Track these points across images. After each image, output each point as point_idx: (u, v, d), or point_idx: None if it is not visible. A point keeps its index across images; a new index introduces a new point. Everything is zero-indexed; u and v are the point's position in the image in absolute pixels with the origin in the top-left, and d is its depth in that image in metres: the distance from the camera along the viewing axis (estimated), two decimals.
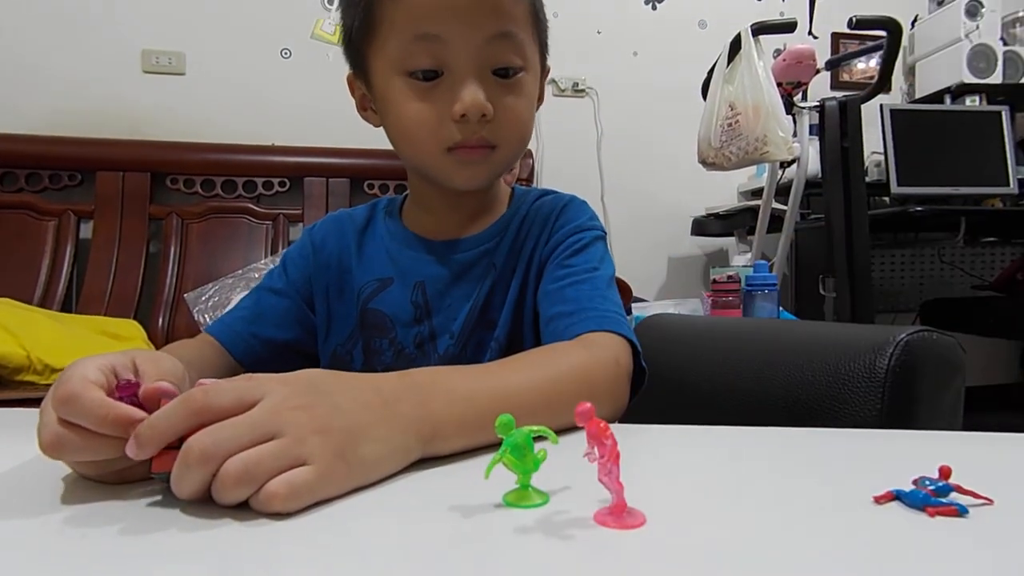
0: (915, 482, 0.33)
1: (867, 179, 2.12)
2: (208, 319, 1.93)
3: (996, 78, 2.55)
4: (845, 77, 2.87)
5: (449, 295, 0.66)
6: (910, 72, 2.84)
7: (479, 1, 0.55)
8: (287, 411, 0.33)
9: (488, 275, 0.66)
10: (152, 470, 0.32)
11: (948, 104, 2.58)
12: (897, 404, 0.54)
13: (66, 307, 1.92)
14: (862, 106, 1.91)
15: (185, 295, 1.99)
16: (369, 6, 0.58)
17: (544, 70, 0.67)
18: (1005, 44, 2.62)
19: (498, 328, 0.65)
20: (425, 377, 0.42)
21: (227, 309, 0.71)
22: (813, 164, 2.01)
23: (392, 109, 0.60)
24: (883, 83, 1.92)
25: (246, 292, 0.79)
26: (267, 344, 0.67)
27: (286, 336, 0.68)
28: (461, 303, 0.65)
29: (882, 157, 2.34)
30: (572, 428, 0.48)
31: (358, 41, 0.61)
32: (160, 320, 1.98)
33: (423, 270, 0.67)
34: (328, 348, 0.69)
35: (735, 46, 1.83)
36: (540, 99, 0.68)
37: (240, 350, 0.66)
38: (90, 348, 1.57)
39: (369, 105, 0.65)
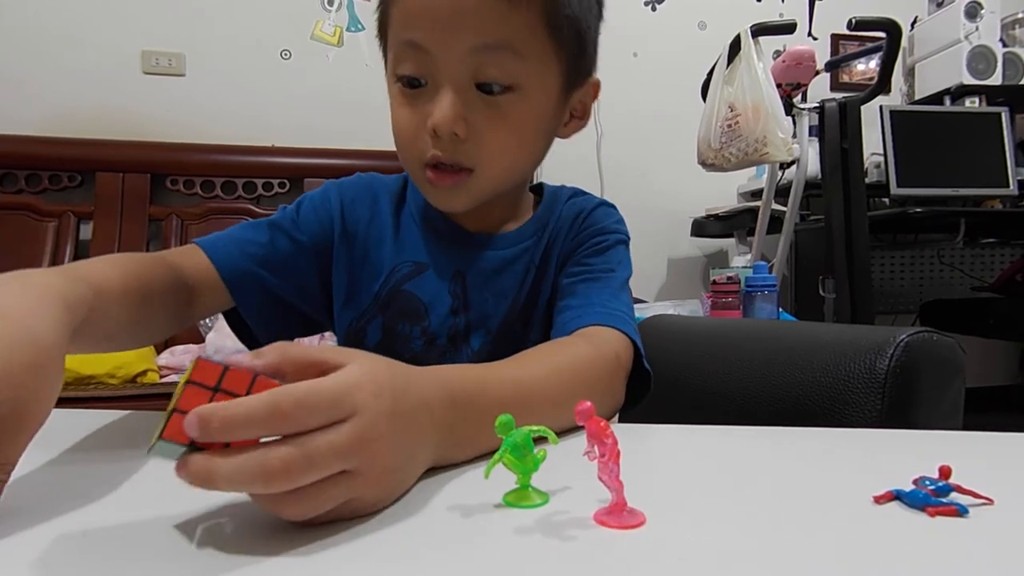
0: (915, 482, 0.33)
1: (867, 180, 2.13)
2: (208, 320, 1.93)
3: (996, 79, 2.56)
4: (845, 78, 2.87)
5: (488, 289, 0.63)
6: (910, 73, 2.84)
7: (462, 8, 0.50)
8: (372, 441, 0.30)
9: (529, 274, 0.64)
10: (163, 437, 0.27)
11: (948, 105, 2.58)
12: (897, 405, 0.54)
13: None
14: (862, 107, 1.91)
15: None
16: (384, 8, 0.57)
17: (577, 85, 0.60)
18: (1004, 45, 2.63)
19: (533, 329, 0.63)
20: (473, 397, 0.40)
21: (226, 230, 0.62)
22: (813, 165, 2.01)
23: (391, 113, 0.59)
24: (883, 84, 1.92)
25: None
26: (267, 293, 0.61)
27: (289, 290, 0.63)
28: (499, 300, 0.63)
29: (882, 158, 2.34)
30: (572, 428, 0.48)
31: (382, 42, 0.60)
32: None
33: (462, 261, 0.64)
34: (345, 319, 0.65)
35: (735, 47, 1.83)
36: (583, 116, 0.64)
37: (236, 283, 0.59)
38: None
39: None
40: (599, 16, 0.59)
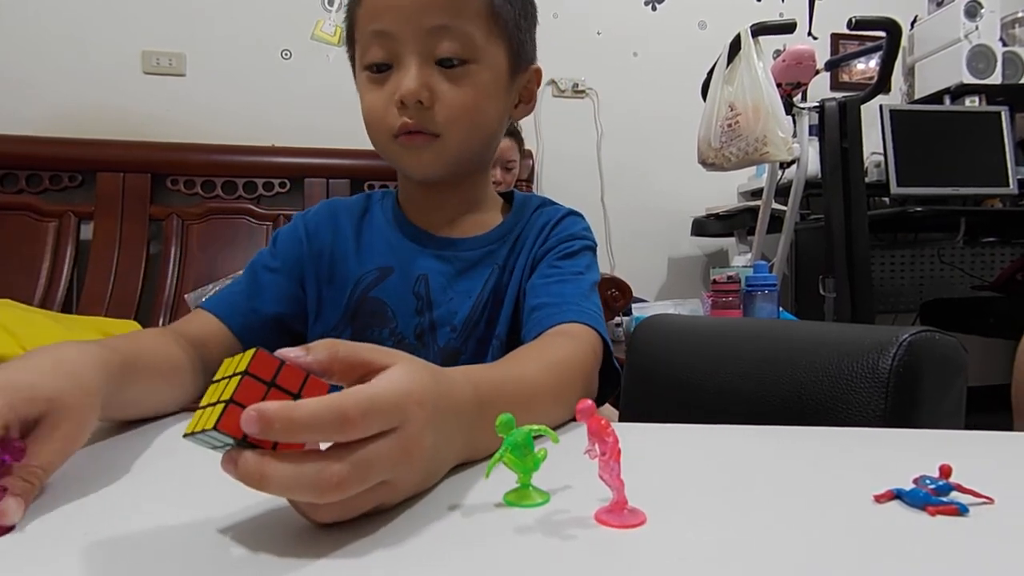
0: (916, 481, 0.33)
1: (867, 179, 2.12)
2: None
3: (995, 79, 2.56)
4: (845, 78, 2.87)
5: (451, 289, 0.68)
6: (910, 73, 2.84)
7: None
8: (413, 453, 0.31)
9: (492, 275, 0.68)
10: (218, 428, 0.27)
11: (948, 105, 2.58)
12: (900, 404, 0.54)
13: (66, 308, 1.92)
14: (862, 107, 1.91)
15: (185, 296, 1.99)
16: (350, 18, 0.66)
17: (521, 70, 0.68)
18: (1004, 45, 2.63)
19: (499, 326, 0.67)
20: (493, 398, 0.41)
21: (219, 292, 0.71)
22: (813, 165, 2.01)
23: (361, 103, 0.65)
24: (883, 84, 1.92)
25: None
26: (264, 319, 0.68)
27: (281, 311, 0.69)
28: (463, 299, 0.67)
29: (882, 157, 2.34)
30: (571, 428, 0.48)
31: (349, 49, 0.68)
32: (160, 321, 1.98)
33: (425, 263, 0.68)
34: (316, 332, 0.70)
35: (735, 47, 1.83)
36: (528, 100, 0.71)
37: (239, 324, 0.66)
38: None
39: None
40: (533, 17, 0.69)
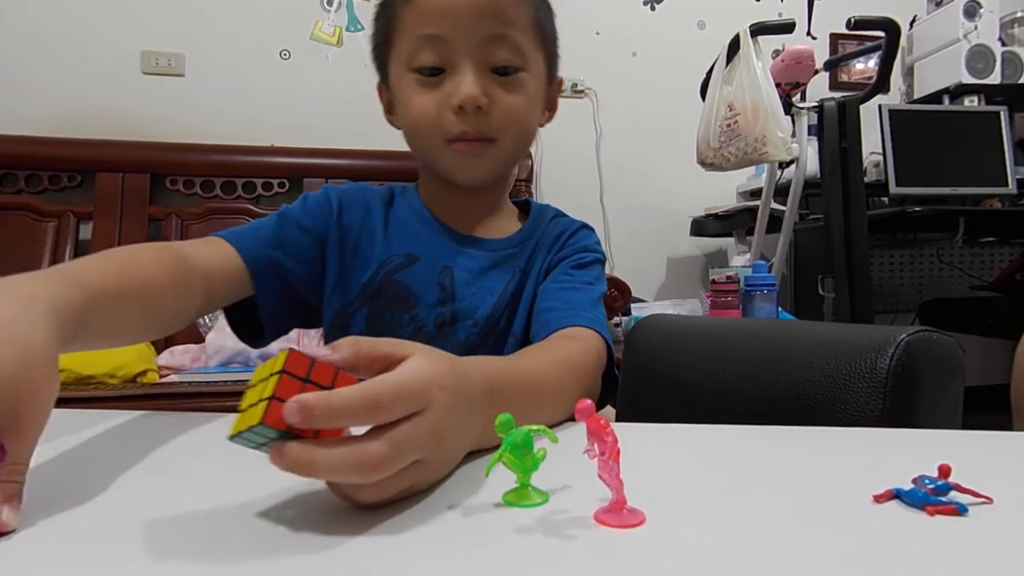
0: (915, 481, 0.33)
1: (866, 179, 2.12)
2: (208, 320, 1.93)
3: (994, 78, 2.56)
4: (844, 78, 2.87)
5: (475, 285, 0.69)
6: (908, 73, 2.84)
7: (479, 5, 0.61)
8: (440, 432, 0.33)
9: (514, 276, 0.71)
10: (264, 422, 0.28)
11: (947, 104, 2.58)
12: (898, 404, 0.54)
13: None
14: (861, 106, 1.91)
15: None
16: (390, 15, 0.65)
17: (553, 80, 0.72)
18: (1003, 44, 2.63)
19: (516, 325, 0.69)
20: (504, 388, 0.43)
21: (239, 227, 0.66)
22: (812, 164, 2.01)
23: (403, 104, 0.66)
24: (882, 84, 1.92)
25: None
26: (279, 272, 0.65)
27: (299, 272, 0.67)
28: (485, 296, 0.69)
29: (881, 157, 2.34)
30: (570, 428, 0.48)
31: (382, 48, 0.68)
32: None
33: (451, 256, 0.70)
34: (332, 306, 0.69)
35: (734, 47, 1.83)
36: (552, 109, 0.74)
37: (256, 265, 0.63)
38: None
39: (394, 110, 0.71)
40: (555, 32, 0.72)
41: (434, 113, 0.63)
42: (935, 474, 0.33)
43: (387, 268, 0.69)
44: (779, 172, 2.06)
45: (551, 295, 0.68)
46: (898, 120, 2.30)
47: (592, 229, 0.77)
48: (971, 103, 2.57)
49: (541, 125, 0.74)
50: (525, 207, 0.78)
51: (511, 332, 0.69)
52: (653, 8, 2.70)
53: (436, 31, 0.61)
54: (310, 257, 0.68)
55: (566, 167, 2.55)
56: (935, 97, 2.64)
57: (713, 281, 1.71)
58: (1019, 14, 2.71)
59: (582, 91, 2.61)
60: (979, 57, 2.55)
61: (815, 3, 2.57)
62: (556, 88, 0.73)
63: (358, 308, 0.69)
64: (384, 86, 0.71)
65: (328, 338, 0.70)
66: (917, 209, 2.12)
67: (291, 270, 0.67)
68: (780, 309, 1.58)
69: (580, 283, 0.69)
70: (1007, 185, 2.32)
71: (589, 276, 0.71)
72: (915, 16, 2.80)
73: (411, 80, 0.64)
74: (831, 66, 2.68)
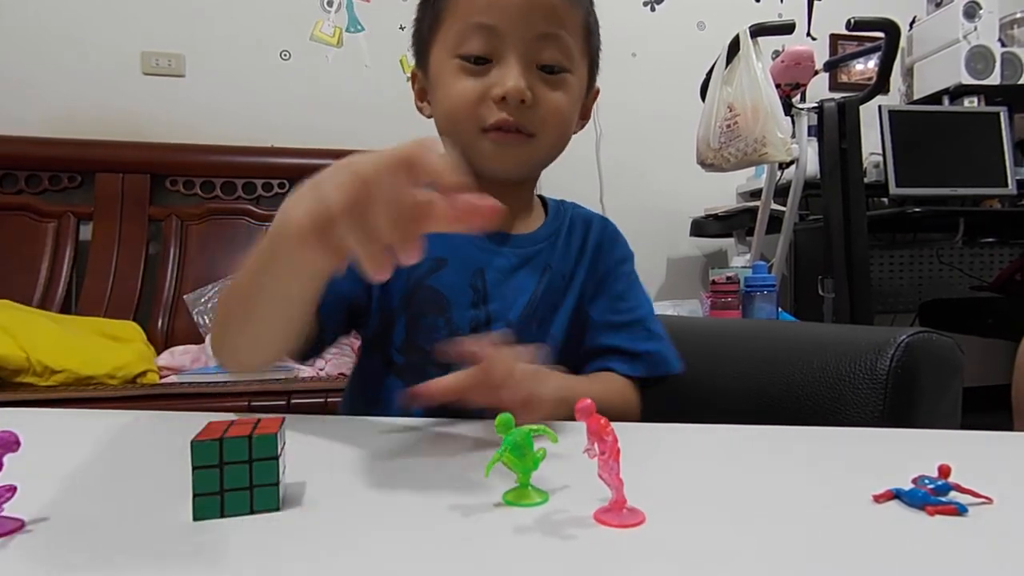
0: (914, 481, 0.33)
1: (866, 180, 2.12)
2: (208, 320, 1.93)
3: (994, 79, 2.56)
4: (843, 78, 2.87)
5: (507, 285, 0.68)
6: (908, 73, 2.84)
7: (535, 2, 0.61)
8: (526, 379, 0.48)
9: (544, 273, 0.70)
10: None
11: (946, 105, 2.59)
12: (898, 405, 0.55)
13: (66, 309, 1.92)
14: (860, 107, 1.91)
15: (185, 297, 1.99)
16: (440, 1, 0.65)
17: (591, 89, 0.71)
18: (1003, 45, 2.63)
19: (554, 326, 0.70)
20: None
21: None
22: (812, 165, 2.01)
23: (441, 88, 0.65)
24: (881, 84, 1.92)
25: None
26: (339, 299, 0.63)
27: (353, 292, 0.65)
28: (518, 295, 0.68)
29: (880, 158, 2.34)
30: (571, 428, 0.48)
31: (426, 33, 0.67)
32: (160, 322, 1.98)
33: (482, 257, 0.69)
34: (376, 319, 0.68)
35: (734, 47, 1.83)
36: (585, 118, 0.73)
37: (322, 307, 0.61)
38: (89, 349, 1.57)
39: (426, 98, 0.70)
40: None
41: (474, 100, 0.62)
42: (935, 474, 0.33)
43: (417, 273, 0.68)
44: (779, 173, 2.06)
45: (608, 333, 0.70)
46: (898, 121, 2.30)
47: (610, 222, 0.77)
48: (971, 104, 2.57)
49: (575, 132, 0.73)
50: (542, 202, 0.78)
51: (548, 333, 0.69)
52: (653, 9, 2.70)
53: (489, 21, 0.61)
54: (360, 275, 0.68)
55: (566, 167, 2.52)
56: (935, 98, 2.64)
57: (713, 282, 1.71)
58: (1019, 15, 2.71)
59: None
60: (979, 58, 2.55)
61: (815, 4, 2.58)
62: (592, 98, 0.73)
63: (398, 316, 0.68)
64: (420, 71, 0.70)
65: (373, 344, 0.69)
66: (917, 210, 2.12)
67: (346, 293, 0.64)
68: (780, 310, 1.58)
69: (633, 318, 0.71)
70: (1007, 186, 2.32)
71: (638, 298, 0.74)
72: (915, 17, 2.80)
73: (455, 66, 0.63)
74: (831, 67, 2.68)
